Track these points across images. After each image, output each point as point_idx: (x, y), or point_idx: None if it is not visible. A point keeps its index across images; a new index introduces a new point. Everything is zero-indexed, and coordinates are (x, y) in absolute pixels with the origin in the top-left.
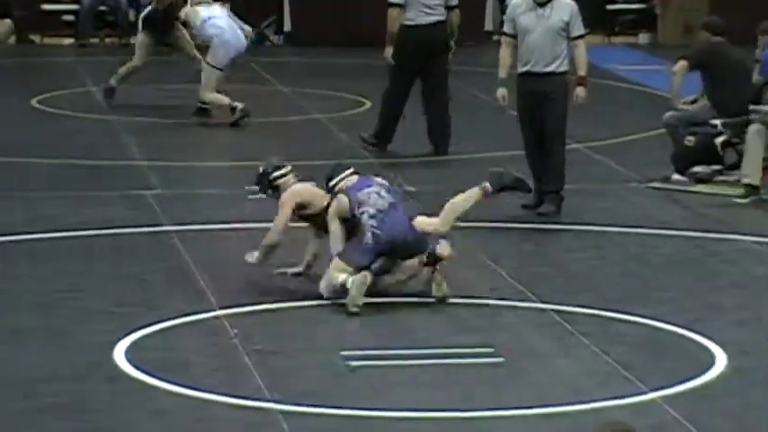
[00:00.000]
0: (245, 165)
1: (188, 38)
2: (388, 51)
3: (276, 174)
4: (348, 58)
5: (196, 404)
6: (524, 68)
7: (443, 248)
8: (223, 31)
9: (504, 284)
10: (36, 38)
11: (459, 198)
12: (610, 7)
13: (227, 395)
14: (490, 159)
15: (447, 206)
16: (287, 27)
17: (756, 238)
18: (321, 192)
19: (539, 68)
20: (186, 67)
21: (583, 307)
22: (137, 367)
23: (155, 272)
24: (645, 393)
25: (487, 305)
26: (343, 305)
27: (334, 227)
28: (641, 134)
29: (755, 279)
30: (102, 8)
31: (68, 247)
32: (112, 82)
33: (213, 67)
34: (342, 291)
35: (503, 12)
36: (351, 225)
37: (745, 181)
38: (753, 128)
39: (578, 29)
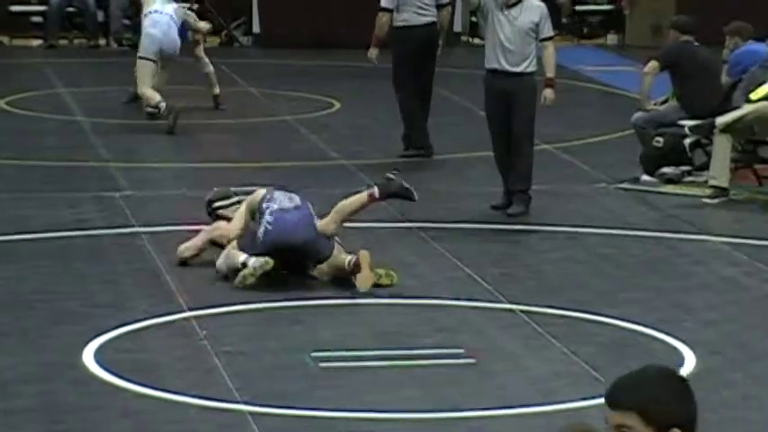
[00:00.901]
0: (214, 166)
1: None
2: (373, 52)
3: (218, 204)
4: (317, 59)
5: (166, 406)
6: (492, 66)
7: (363, 257)
8: (154, 23)
9: (474, 285)
10: (4, 39)
11: (347, 201)
12: (578, 9)
13: (196, 396)
14: (460, 160)
15: (335, 208)
16: (256, 29)
17: (725, 239)
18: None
19: (507, 68)
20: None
21: (552, 308)
22: (106, 369)
23: (124, 273)
24: None
25: (457, 306)
26: (313, 306)
27: (242, 210)
28: (610, 135)
29: (724, 280)
30: (71, 9)
31: (39, 249)
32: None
33: (140, 57)
34: (239, 269)
35: (472, 14)
36: (258, 214)
37: (713, 183)
38: (719, 130)
39: (548, 30)
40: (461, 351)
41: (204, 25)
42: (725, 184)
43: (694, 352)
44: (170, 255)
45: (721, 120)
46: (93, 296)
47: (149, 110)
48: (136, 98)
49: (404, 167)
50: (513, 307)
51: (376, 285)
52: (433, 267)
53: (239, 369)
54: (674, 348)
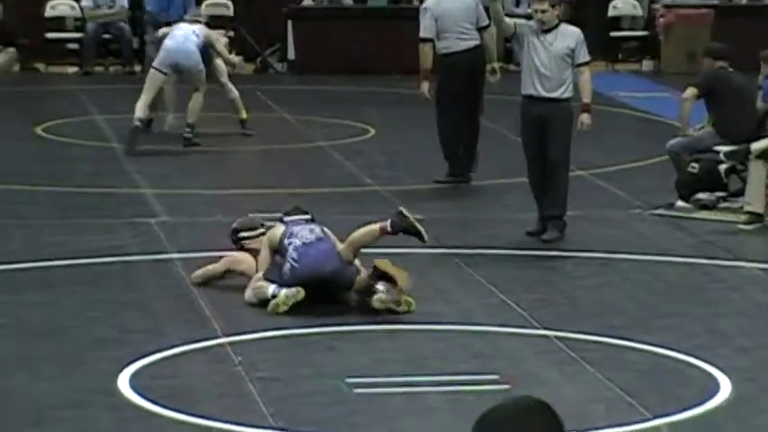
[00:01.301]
0: (249, 192)
1: (220, 66)
2: (425, 86)
3: (244, 234)
4: (351, 86)
5: (201, 431)
6: (529, 92)
7: (381, 264)
8: (171, 36)
9: (509, 311)
10: (40, 66)
11: (360, 233)
12: (613, 34)
13: (231, 423)
14: (495, 186)
15: (349, 239)
16: (291, 55)
17: (761, 265)
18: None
19: (544, 94)
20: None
21: (587, 334)
22: (142, 395)
23: (159, 299)
24: (649, 420)
25: (492, 332)
26: (348, 332)
27: (264, 253)
28: (645, 161)
29: (760, 306)
30: (106, 36)
31: (74, 275)
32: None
33: (152, 66)
34: (269, 299)
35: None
36: (281, 251)
37: (748, 208)
38: (755, 156)
39: (583, 56)
40: (497, 377)
41: (234, 58)
42: (760, 210)
43: (729, 378)
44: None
45: (756, 146)
46: (128, 322)
47: (185, 135)
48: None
49: (440, 193)
50: (548, 333)
51: (392, 312)
52: (468, 293)
53: (274, 395)
54: (709, 375)
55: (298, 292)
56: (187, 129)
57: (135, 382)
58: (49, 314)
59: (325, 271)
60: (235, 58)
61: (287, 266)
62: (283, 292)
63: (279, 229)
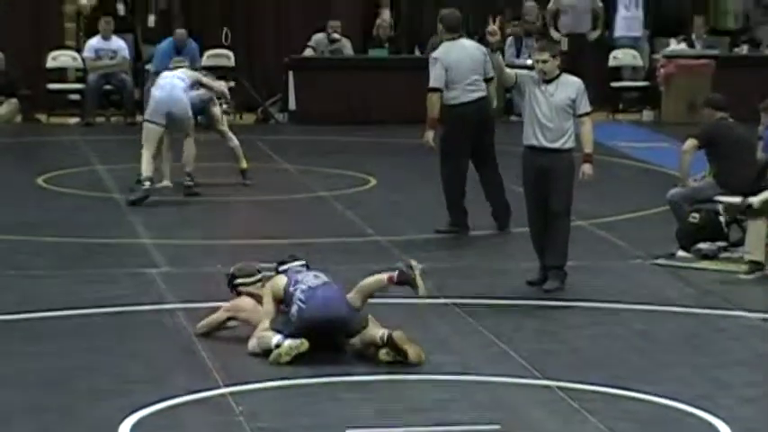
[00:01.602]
0: (250, 242)
1: (217, 114)
2: (429, 135)
3: (241, 280)
4: (353, 136)
5: None
6: (531, 142)
7: (399, 336)
8: (158, 86)
9: (510, 361)
10: (42, 117)
11: (369, 280)
12: (614, 84)
13: None
14: (495, 236)
15: (357, 287)
16: (291, 105)
17: (762, 315)
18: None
19: (546, 144)
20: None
21: (589, 384)
22: None
23: (161, 349)
24: None
25: (493, 382)
26: (349, 382)
27: (267, 303)
28: (646, 211)
29: (761, 356)
30: (108, 87)
31: (76, 325)
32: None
33: (144, 120)
34: (272, 349)
35: (507, 91)
36: (287, 300)
37: (749, 257)
38: (756, 200)
39: (584, 106)
40: (498, 427)
41: (219, 86)
42: (761, 258)
43: (731, 429)
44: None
45: (755, 200)
46: (129, 372)
47: (186, 183)
48: (187, 185)
49: (440, 242)
50: (550, 383)
51: (401, 363)
52: (469, 343)
53: None
54: (711, 425)
55: (302, 344)
56: (187, 178)
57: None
58: (50, 364)
59: (332, 313)
60: (219, 85)
61: (294, 308)
62: (287, 342)
63: (281, 280)
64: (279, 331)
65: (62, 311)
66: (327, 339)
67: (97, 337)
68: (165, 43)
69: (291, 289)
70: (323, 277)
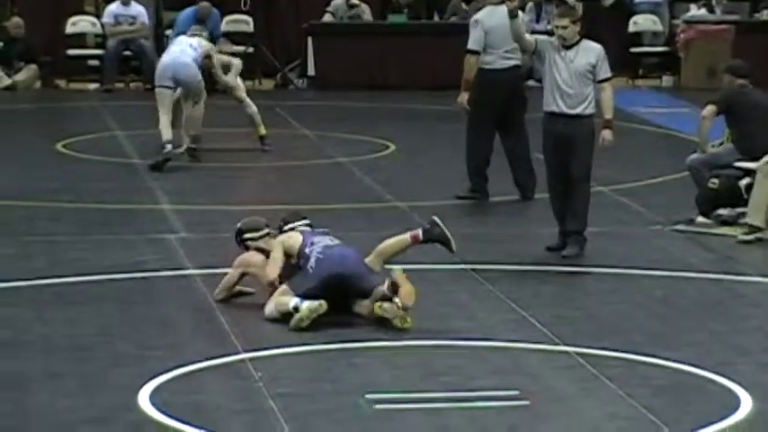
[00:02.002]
0: (268, 208)
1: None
2: (464, 97)
3: (248, 235)
4: (371, 102)
5: None
6: (551, 108)
7: (399, 275)
8: (167, 51)
9: (529, 327)
10: (61, 83)
11: (390, 242)
12: (633, 50)
13: None
14: (515, 202)
15: (377, 249)
16: (311, 71)
17: None
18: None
19: (566, 110)
20: (212, 112)
21: (607, 350)
22: (162, 411)
23: (180, 316)
24: None
25: (512, 348)
26: (368, 348)
27: (277, 253)
28: (665, 177)
29: None
30: (127, 53)
31: (95, 291)
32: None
33: (155, 86)
34: (291, 313)
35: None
36: (298, 264)
37: (748, 221)
38: (764, 168)
39: (605, 72)
40: (516, 393)
41: (230, 80)
42: (760, 224)
43: (750, 394)
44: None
45: None
46: (149, 338)
47: (189, 146)
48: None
49: (460, 208)
50: (569, 349)
51: (399, 326)
52: (487, 309)
53: (294, 411)
54: (730, 391)
55: (320, 306)
56: (190, 140)
57: (155, 398)
58: (70, 330)
59: (349, 269)
60: (230, 80)
61: (312, 262)
62: (305, 305)
63: (296, 238)
64: (296, 293)
65: (81, 277)
66: (343, 298)
67: (116, 303)
68: (188, 12)
69: (308, 250)
70: (337, 242)
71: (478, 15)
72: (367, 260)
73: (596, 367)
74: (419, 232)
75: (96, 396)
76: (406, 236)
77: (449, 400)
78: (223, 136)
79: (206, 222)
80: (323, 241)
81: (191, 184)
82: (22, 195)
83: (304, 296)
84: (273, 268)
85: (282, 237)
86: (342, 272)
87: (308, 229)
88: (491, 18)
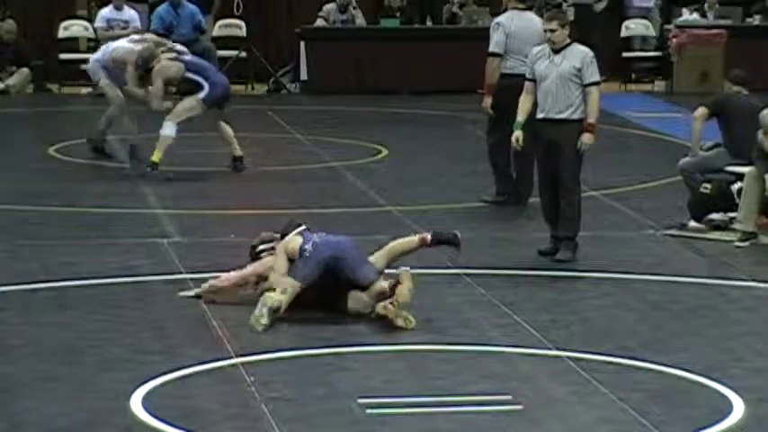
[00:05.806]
0: (261, 212)
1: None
2: (487, 101)
3: (261, 247)
4: (364, 106)
5: None
6: (540, 115)
7: (405, 273)
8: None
9: (521, 331)
10: (54, 87)
11: (398, 242)
12: (626, 55)
13: None
14: (506, 206)
15: (386, 248)
16: (303, 76)
17: None
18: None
19: (553, 115)
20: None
21: (600, 354)
22: (154, 415)
23: (172, 320)
24: None
25: (504, 352)
26: (361, 352)
27: (281, 260)
28: (657, 181)
29: None
30: None
31: (87, 296)
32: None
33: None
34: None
35: None
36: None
37: (740, 227)
38: (751, 172)
39: (591, 75)
40: (508, 397)
41: (138, 92)
42: (752, 229)
43: (742, 399)
44: (217, 301)
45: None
46: (140, 343)
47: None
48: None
49: (452, 213)
50: (561, 353)
51: (397, 326)
52: (480, 313)
53: (286, 416)
54: (723, 396)
55: (294, 287)
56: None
57: (147, 402)
58: (61, 334)
59: (345, 253)
60: (138, 92)
61: (308, 246)
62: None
63: (297, 242)
64: (295, 277)
65: (73, 282)
66: (336, 284)
67: (108, 307)
68: (163, 6)
69: (306, 246)
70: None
71: (500, 18)
72: (372, 257)
73: (589, 372)
74: (428, 236)
75: (88, 400)
76: (415, 238)
77: (441, 404)
78: (214, 141)
79: (198, 227)
80: (322, 234)
81: (183, 188)
82: (14, 199)
83: (302, 279)
84: (280, 269)
85: (283, 243)
86: (338, 255)
87: (306, 231)
88: (512, 22)
